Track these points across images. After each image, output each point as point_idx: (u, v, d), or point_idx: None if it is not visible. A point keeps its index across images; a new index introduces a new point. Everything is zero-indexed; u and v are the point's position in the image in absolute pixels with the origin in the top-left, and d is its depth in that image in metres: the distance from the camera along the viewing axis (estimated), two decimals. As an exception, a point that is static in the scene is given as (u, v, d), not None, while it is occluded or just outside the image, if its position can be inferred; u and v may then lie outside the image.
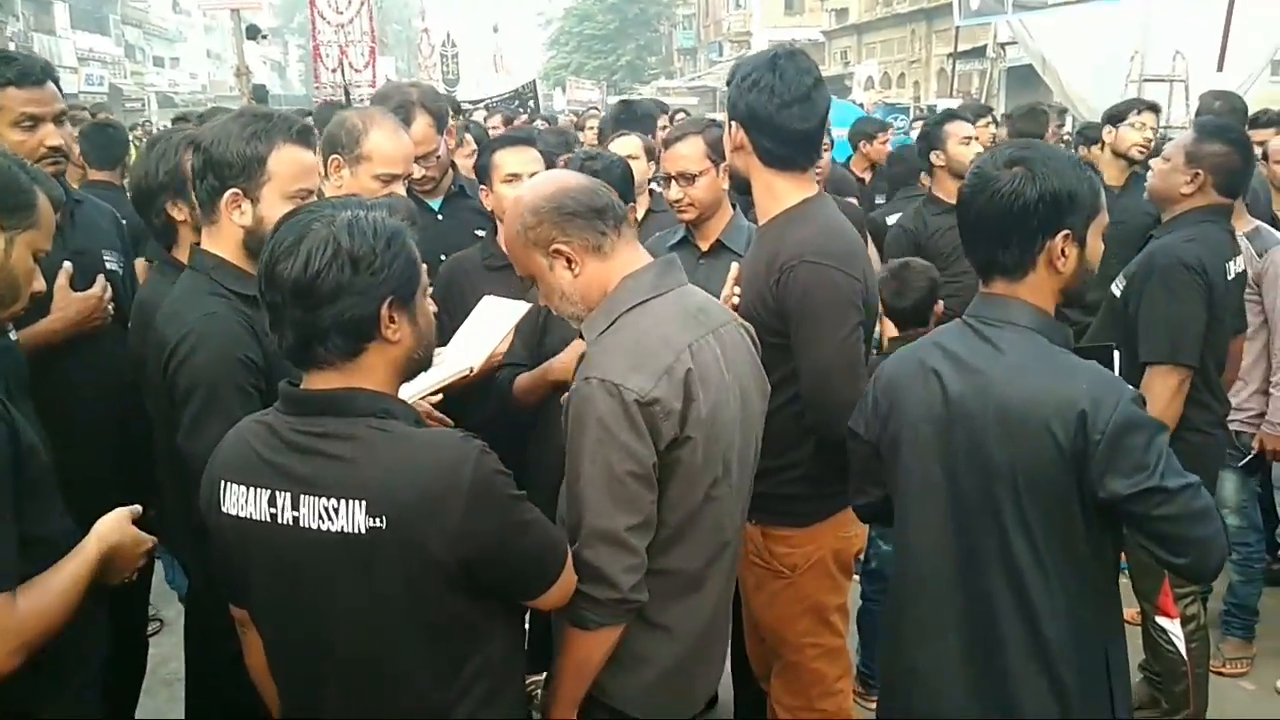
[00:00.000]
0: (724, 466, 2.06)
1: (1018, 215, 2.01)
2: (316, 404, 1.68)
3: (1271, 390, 3.89)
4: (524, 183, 2.26)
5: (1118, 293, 3.34)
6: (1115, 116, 5.06)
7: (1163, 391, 3.13)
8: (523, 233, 2.03)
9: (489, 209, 3.27)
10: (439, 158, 3.60)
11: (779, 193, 2.56)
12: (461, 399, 2.67)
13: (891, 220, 5.33)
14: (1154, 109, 5.25)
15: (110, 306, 2.93)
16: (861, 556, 4.27)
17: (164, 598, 3.98)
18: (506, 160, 3.18)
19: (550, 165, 3.28)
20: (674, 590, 2.05)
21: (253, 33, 21.96)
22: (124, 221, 3.45)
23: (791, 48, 2.62)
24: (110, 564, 1.89)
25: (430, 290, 1.86)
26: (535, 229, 2.01)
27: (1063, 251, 2.02)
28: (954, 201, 4.89)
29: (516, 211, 2.05)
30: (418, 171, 3.48)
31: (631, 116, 4.36)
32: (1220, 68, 9.35)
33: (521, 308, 2.73)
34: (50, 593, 1.77)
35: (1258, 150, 5.29)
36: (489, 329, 2.68)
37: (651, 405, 1.89)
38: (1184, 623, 3.44)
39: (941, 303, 3.67)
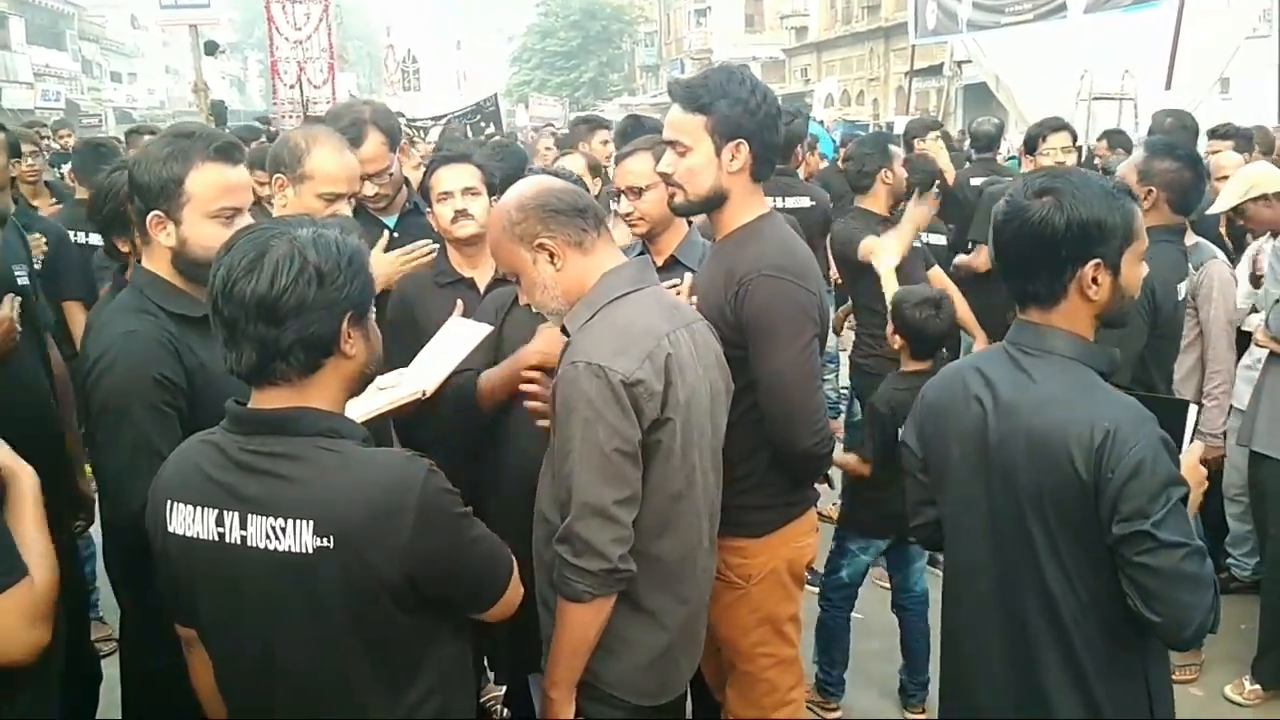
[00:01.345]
0: (699, 455, 2.19)
1: (1047, 245, 2.02)
2: (265, 423, 1.69)
3: (1205, 402, 3.96)
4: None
5: None
6: (1031, 148, 5.24)
7: None
8: (509, 228, 2.15)
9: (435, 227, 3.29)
10: (391, 174, 3.60)
11: (746, 209, 2.60)
12: (413, 418, 2.67)
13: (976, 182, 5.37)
14: (1062, 128, 5.44)
15: (18, 323, 2.96)
16: (813, 566, 4.32)
17: (114, 611, 3.94)
18: (441, 178, 3.20)
19: (492, 183, 3.29)
20: (660, 578, 2.18)
21: (211, 48, 21.79)
22: (28, 229, 3.70)
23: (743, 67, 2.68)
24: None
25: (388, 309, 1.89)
26: (521, 224, 2.14)
27: (1094, 280, 2.02)
28: (889, 214, 4.95)
29: (503, 209, 2.18)
30: (370, 189, 3.49)
31: (640, 131, 4.35)
32: (1169, 86, 9.56)
33: (482, 331, 2.75)
34: (38, 553, 1.79)
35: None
36: (451, 350, 2.69)
37: (636, 386, 2.01)
38: None
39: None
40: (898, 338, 3.78)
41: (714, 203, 2.60)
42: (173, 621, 1.88)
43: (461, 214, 3.16)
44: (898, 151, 5.08)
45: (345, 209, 2.96)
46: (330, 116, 3.80)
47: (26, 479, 1.88)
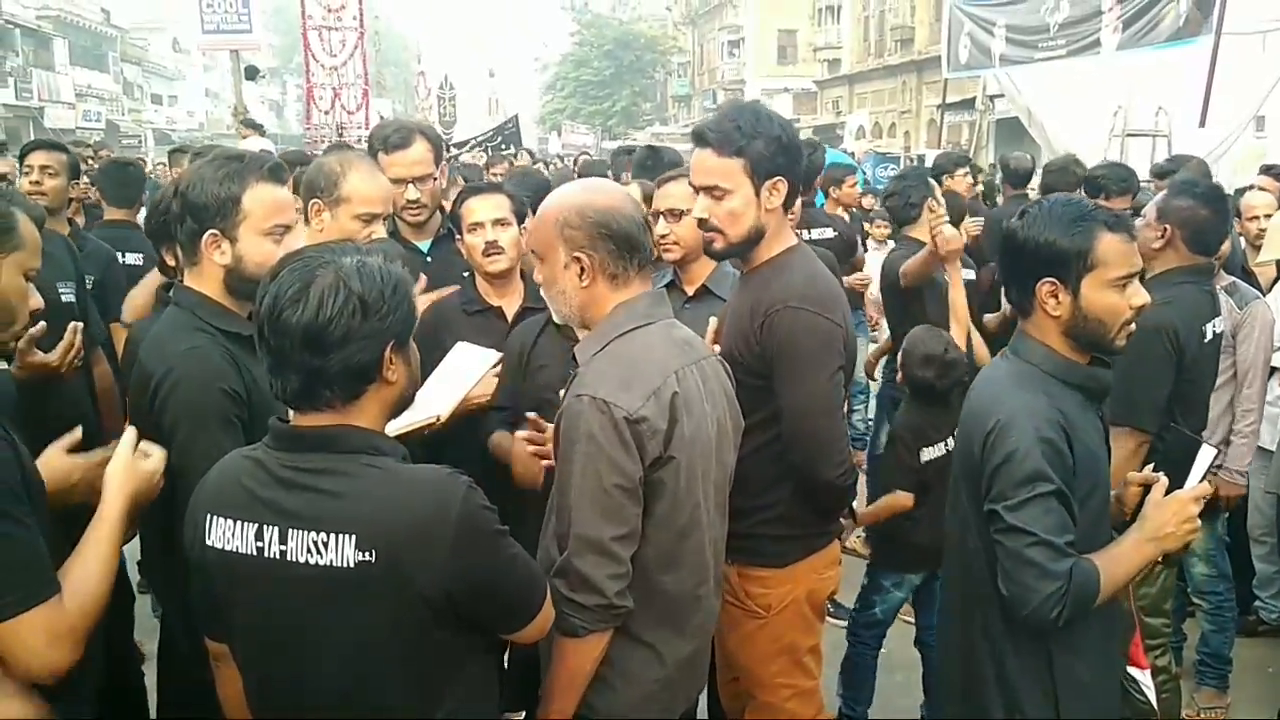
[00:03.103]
0: (704, 493, 2.17)
1: (1013, 261, 2.29)
2: (308, 440, 1.72)
3: (1233, 439, 3.93)
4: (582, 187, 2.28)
5: None
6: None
7: (1119, 452, 3.12)
8: (559, 226, 2.12)
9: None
10: (435, 180, 3.67)
11: (774, 243, 2.62)
12: (447, 439, 2.72)
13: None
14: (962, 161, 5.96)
15: (78, 364, 3.12)
16: (837, 599, 4.31)
17: (146, 632, 3.98)
18: (472, 208, 3.24)
19: (522, 211, 3.33)
20: (663, 613, 2.16)
21: (251, 73, 22.16)
22: (74, 250, 3.72)
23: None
24: (138, 505, 1.98)
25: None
26: (573, 229, 2.11)
27: (1053, 296, 2.21)
28: None
29: (566, 203, 2.15)
30: (413, 193, 3.57)
31: (658, 163, 4.40)
32: (1203, 123, 9.51)
33: (492, 356, 2.79)
34: (82, 576, 1.82)
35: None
36: (459, 377, 2.73)
37: (639, 423, 2.00)
38: (1154, 674, 3.46)
39: None
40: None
41: (752, 243, 2.61)
42: (204, 635, 1.91)
43: (492, 246, 3.20)
44: (934, 184, 5.13)
45: (380, 230, 3.02)
46: (376, 128, 3.93)
47: (110, 508, 1.93)
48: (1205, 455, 2.31)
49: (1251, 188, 5.66)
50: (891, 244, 5.47)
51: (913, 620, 4.14)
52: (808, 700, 2.77)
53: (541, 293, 2.26)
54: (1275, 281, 4.71)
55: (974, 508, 2.24)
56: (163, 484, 2.07)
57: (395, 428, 2.33)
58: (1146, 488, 2.30)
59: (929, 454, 3.77)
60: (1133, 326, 2.25)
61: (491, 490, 1.82)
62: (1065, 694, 2.24)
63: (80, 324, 3.18)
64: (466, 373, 2.72)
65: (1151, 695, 3.47)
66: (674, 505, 2.09)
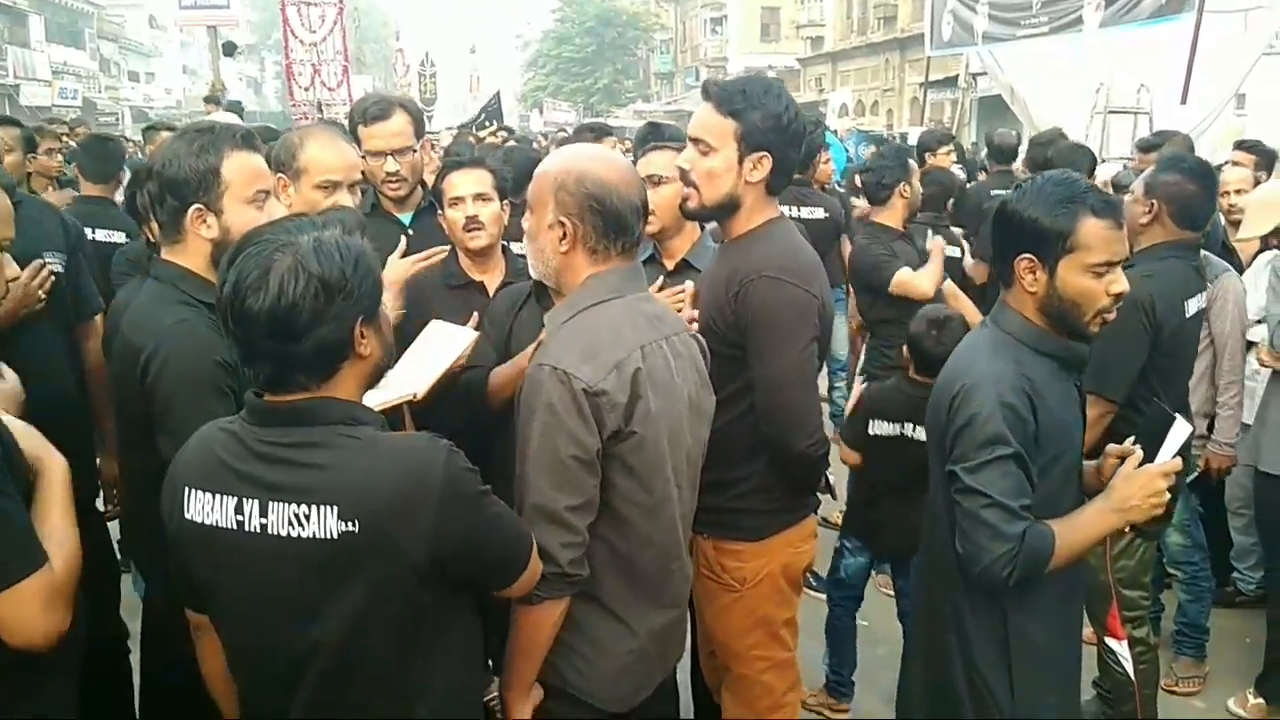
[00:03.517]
0: (675, 469, 2.16)
1: (998, 230, 2.33)
2: (284, 415, 1.71)
3: (1218, 410, 3.96)
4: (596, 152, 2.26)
5: None
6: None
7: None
8: (556, 186, 2.11)
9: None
10: (415, 151, 3.65)
11: (756, 216, 2.61)
12: (432, 409, 2.70)
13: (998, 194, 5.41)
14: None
15: (42, 295, 3.07)
16: (817, 572, 4.36)
17: (130, 611, 3.97)
18: (454, 183, 3.21)
19: (504, 187, 3.31)
20: (637, 587, 2.16)
21: (229, 50, 21.92)
22: (71, 222, 3.63)
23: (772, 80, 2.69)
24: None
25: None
26: (567, 193, 2.10)
27: (1029, 272, 2.25)
28: (904, 229, 5.04)
29: (567, 165, 2.14)
30: (392, 165, 3.55)
31: (658, 137, 4.38)
32: (1184, 100, 9.53)
33: (469, 336, 2.77)
34: (58, 542, 1.81)
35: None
36: (436, 355, 2.71)
37: (598, 396, 1.99)
38: (1132, 644, 3.50)
39: None
40: (906, 351, 3.83)
41: (726, 210, 2.61)
42: (184, 607, 1.91)
43: (473, 221, 3.18)
44: (915, 166, 5.11)
45: (347, 198, 3.00)
46: (357, 102, 3.91)
47: (57, 469, 1.91)
48: (1179, 430, 2.32)
49: (1228, 163, 5.69)
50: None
51: (893, 593, 4.18)
52: (783, 672, 2.79)
53: (524, 241, 2.24)
54: (1254, 257, 4.73)
55: (940, 469, 2.30)
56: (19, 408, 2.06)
57: (377, 403, 2.32)
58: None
59: (878, 427, 3.83)
60: (1111, 314, 2.26)
61: (469, 454, 1.81)
62: (1018, 653, 2.29)
63: (47, 264, 3.16)
64: (443, 351, 2.71)
65: (1129, 666, 3.52)
66: (640, 481, 2.09)
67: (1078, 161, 5.58)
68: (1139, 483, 2.21)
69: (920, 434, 3.59)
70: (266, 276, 1.62)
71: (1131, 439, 2.38)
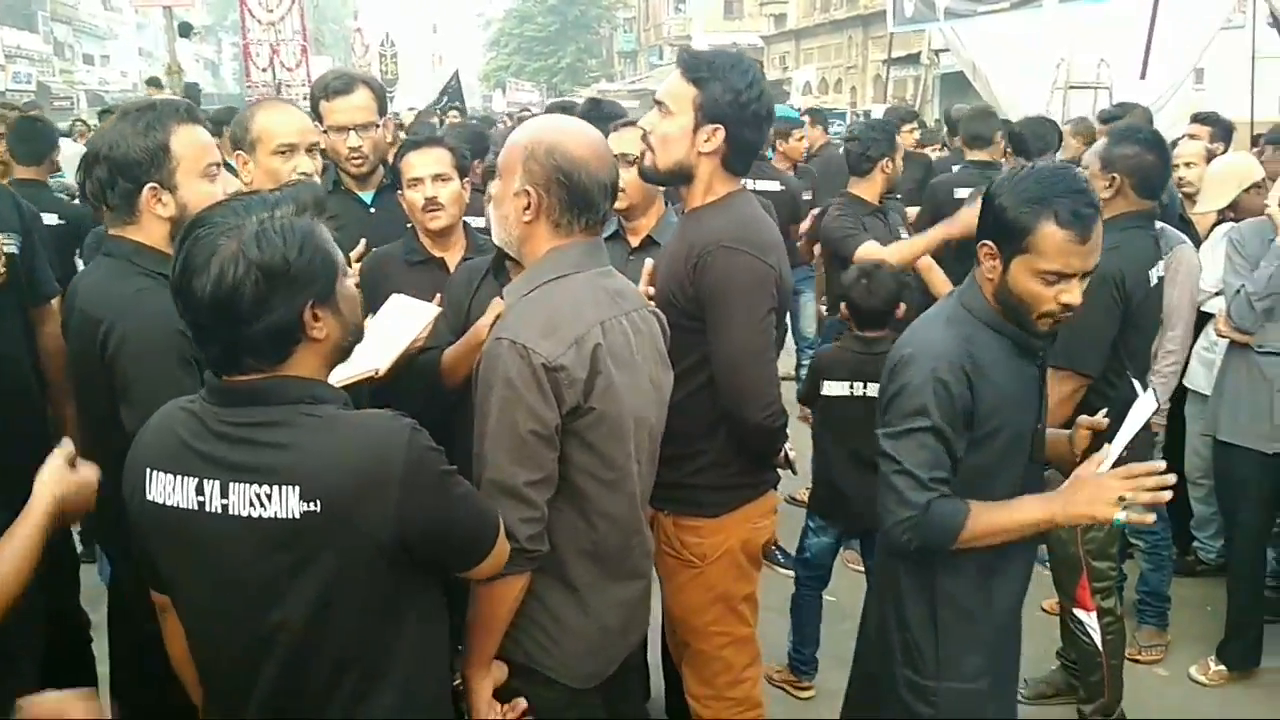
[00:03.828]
0: (636, 445, 2.16)
1: (980, 209, 2.32)
2: (244, 395, 1.68)
3: (1153, 377, 3.99)
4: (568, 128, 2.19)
5: None
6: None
7: (1054, 394, 3.15)
8: (525, 155, 2.09)
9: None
10: (378, 129, 3.62)
11: (714, 189, 2.61)
12: (391, 389, 2.68)
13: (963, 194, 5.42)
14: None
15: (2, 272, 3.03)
16: (783, 548, 4.39)
17: (90, 601, 3.93)
18: (412, 163, 3.18)
19: (464, 165, 3.29)
20: (599, 564, 2.16)
21: (185, 30, 21.58)
22: (25, 205, 3.59)
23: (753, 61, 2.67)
24: (64, 514, 1.93)
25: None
26: (536, 163, 2.08)
27: (988, 258, 2.27)
28: (879, 204, 5.03)
29: (539, 136, 2.11)
30: (354, 140, 3.52)
31: (600, 116, 4.36)
32: (1143, 75, 9.62)
33: (431, 311, 2.74)
34: (4, 563, 1.80)
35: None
36: (398, 330, 2.69)
37: (557, 371, 1.97)
38: (1100, 615, 3.55)
39: (903, 306, 3.81)
40: (844, 308, 3.92)
41: (679, 178, 2.61)
42: (149, 587, 1.88)
43: (432, 202, 3.15)
44: (901, 144, 5.11)
45: (307, 162, 2.98)
46: (319, 78, 3.87)
47: (42, 503, 1.90)
48: (1144, 403, 2.34)
49: (1184, 136, 5.75)
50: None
51: (862, 569, 4.20)
52: (743, 648, 2.80)
53: (490, 207, 2.22)
54: (1211, 229, 4.78)
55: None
56: (93, 496, 2.01)
57: (339, 380, 2.30)
58: (1096, 435, 2.36)
59: (830, 388, 3.88)
60: (1064, 316, 2.26)
61: (431, 435, 1.80)
62: (945, 615, 2.35)
63: (1, 244, 3.14)
64: (405, 326, 2.68)
65: (1097, 636, 3.57)
66: (599, 457, 2.08)
67: (1046, 135, 5.59)
68: (1093, 489, 2.19)
69: (871, 389, 3.64)
70: (209, 261, 1.61)
71: (1104, 411, 2.39)
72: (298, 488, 1.61)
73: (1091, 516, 2.19)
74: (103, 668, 2.75)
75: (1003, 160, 5.78)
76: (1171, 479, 2.15)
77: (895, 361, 2.31)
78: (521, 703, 2.14)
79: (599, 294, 2.14)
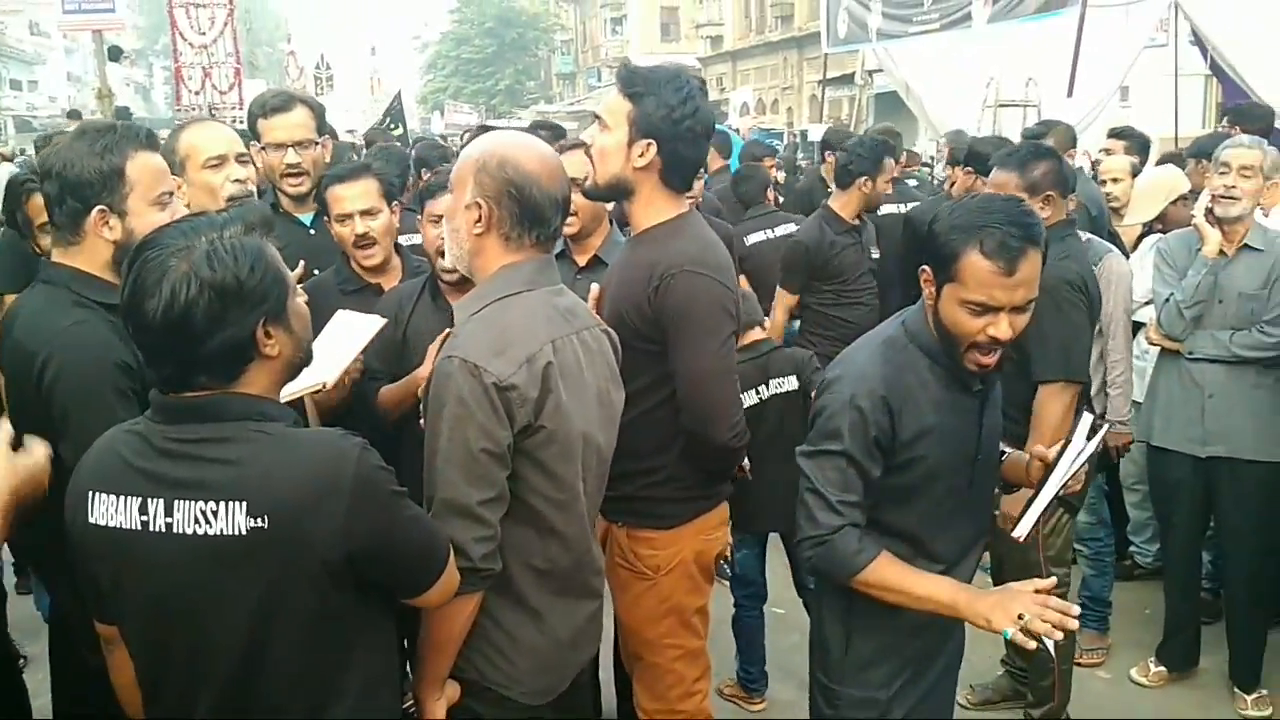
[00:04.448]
0: (583, 464, 2.16)
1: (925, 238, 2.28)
2: (191, 411, 1.67)
3: (1109, 390, 4.10)
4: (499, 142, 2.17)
5: None
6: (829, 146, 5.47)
7: (1057, 408, 3.22)
8: (477, 168, 2.09)
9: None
10: (317, 146, 3.59)
11: (661, 208, 2.60)
12: (344, 413, 2.67)
13: (780, 231, 5.50)
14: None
15: None
16: (727, 557, 4.38)
17: (28, 634, 3.83)
18: (339, 197, 3.15)
19: (391, 193, 3.26)
20: (550, 581, 2.16)
21: (115, 54, 21.21)
22: None
23: (696, 77, 2.65)
24: (19, 507, 1.89)
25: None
26: (488, 175, 2.08)
27: (927, 284, 2.24)
28: (854, 222, 5.12)
29: (492, 149, 2.12)
30: (293, 156, 3.50)
31: (548, 134, 4.38)
32: (1070, 93, 9.84)
33: (377, 323, 2.75)
34: None
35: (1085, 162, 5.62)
36: (344, 343, 2.69)
37: (509, 390, 1.97)
38: None
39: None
40: None
41: (618, 193, 2.61)
42: (93, 619, 1.85)
43: (362, 239, 3.13)
44: (889, 166, 5.14)
45: (240, 170, 2.99)
46: (256, 97, 3.85)
47: None
48: (1082, 425, 2.29)
49: (1103, 151, 5.91)
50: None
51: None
52: (694, 660, 2.80)
53: (443, 222, 2.22)
54: (1138, 242, 4.91)
55: None
56: (48, 481, 1.97)
57: (284, 394, 2.28)
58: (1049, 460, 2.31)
59: (746, 399, 3.86)
60: (985, 359, 2.19)
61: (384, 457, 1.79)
62: (858, 618, 2.35)
63: None
64: (351, 339, 2.68)
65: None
66: (549, 476, 2.08)
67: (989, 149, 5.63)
68: (1003, 597, 2.10)
69: (772, 387, 3.75)
70: (160, 283, 1.60)
71: (1059, 445, 2.29)
72: (245, 503, 1.60)
73: (988, 621, 2.08)
74: (42, 700, 2.68)
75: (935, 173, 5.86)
76: (1073, 624, 2.05)
77: (824, 380, 2.34)
78: None
79: (550, 312, 2.14)
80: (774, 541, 4.13)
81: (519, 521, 2.07)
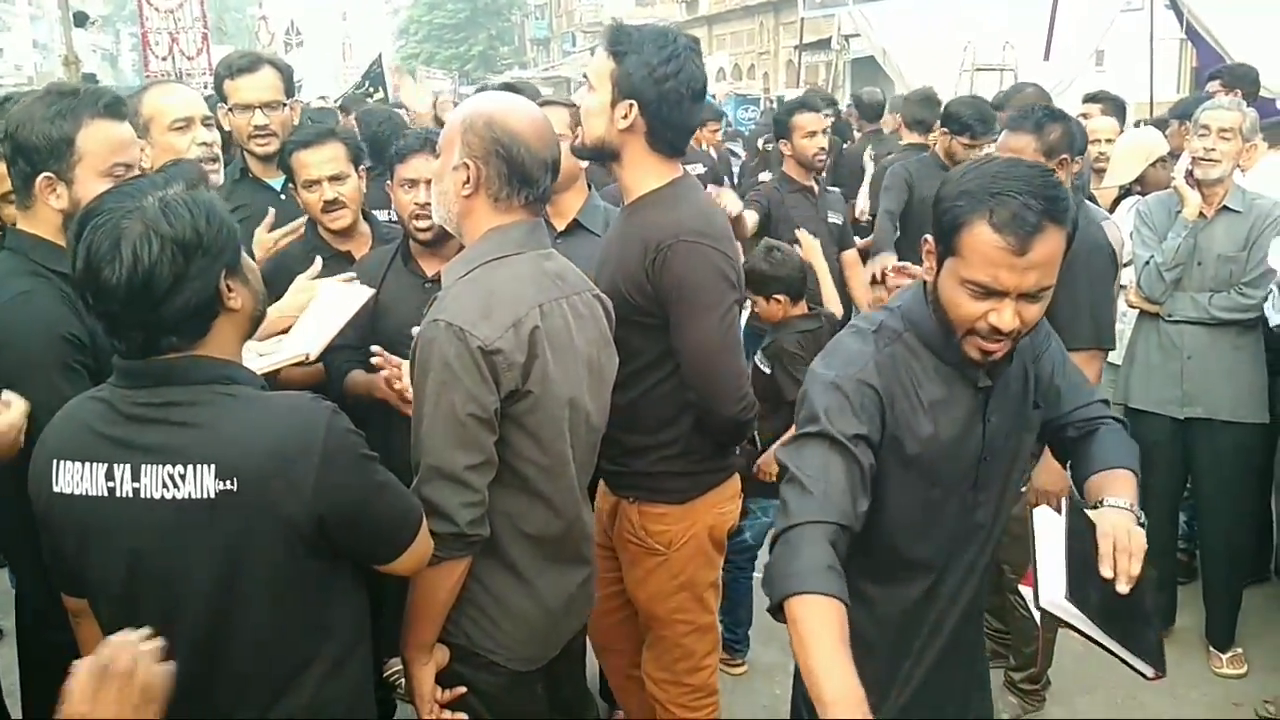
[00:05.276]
0: (571, 430, 2.13)
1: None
2: (156, 374, 1.64)
3: None
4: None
5: None
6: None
7: (1089, 376, 3.21)
8: (464, 128, 2.07)
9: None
10: (285, 109, 3.53)
11: (652, 173, 2.52)
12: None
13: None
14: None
15: None
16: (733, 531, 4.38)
17: (3, 607, 3.79)
18: (305, 163, 3.11)
19: (359, 157, 3.21)
20: (540, 549, 2.14)
21: (81, 20, 20.83)
22: None
23: (687, 36, 2.56)
24: None
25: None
26: (475, 135, 2.05)
27: (929, 255, 1.91)
28: (804, 182, 5.15)
29: (479, 109, 2.10)
30: (260, 118, 3.45)
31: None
32: (1047, 57, 9.86)
33: (364, 293, 2.70)
34: None
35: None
36: (331, 315, 2.65)
37: (495, 355, 1.95)
38: None
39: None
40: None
41: (604, 154, 2.54)
42: (60, 592, 1.82)
43: (331, 204, 3.09)
44: (801, 125, 5.22)
45: (206, 133, 2.92)
46: (223, 59, 3.79)
47: None
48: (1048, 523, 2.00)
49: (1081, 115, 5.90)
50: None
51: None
52: (704, 635, 2.78)
53: (431, 184, 2.20)
54: (1115, 204, 4.91)
55: None
56: (21, 431, 1.94)
57: (263, 366, 2.25)
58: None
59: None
60: (993, 346, 1.85)
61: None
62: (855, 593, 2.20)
63: None
64: (340, 309, 2.63)
65: (1037, 613, 3.63)
66: (538, 442, 2.07)
67: (986, 114, 5.58)
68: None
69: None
70: (118, 246, 1.56)
71: (1065, 499, 1.99)
72: (213, 466, 1.58)
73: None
74: (12, 679, 2.65)
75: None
76: None
77: (809, 371, 1.99)
78: (460, 688, 2.11)
79: (539, 276, 2.10)
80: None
81: (507, 487, 2.05)
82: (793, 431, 1.97)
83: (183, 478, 1.59)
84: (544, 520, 2.13)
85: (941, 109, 5.63)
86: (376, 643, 2.87)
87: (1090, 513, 1.86)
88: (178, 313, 1.60)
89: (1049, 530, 1.91)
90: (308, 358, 2.49)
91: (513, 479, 2.06)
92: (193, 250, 1.59)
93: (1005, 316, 1.79)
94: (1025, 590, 3.54)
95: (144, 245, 1.56)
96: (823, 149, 5.25)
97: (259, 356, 2.34)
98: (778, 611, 1.72)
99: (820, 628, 1.65)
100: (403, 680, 2.19)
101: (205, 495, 1.58)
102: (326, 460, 1.63)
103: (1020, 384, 2.06)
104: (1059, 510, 1.95)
